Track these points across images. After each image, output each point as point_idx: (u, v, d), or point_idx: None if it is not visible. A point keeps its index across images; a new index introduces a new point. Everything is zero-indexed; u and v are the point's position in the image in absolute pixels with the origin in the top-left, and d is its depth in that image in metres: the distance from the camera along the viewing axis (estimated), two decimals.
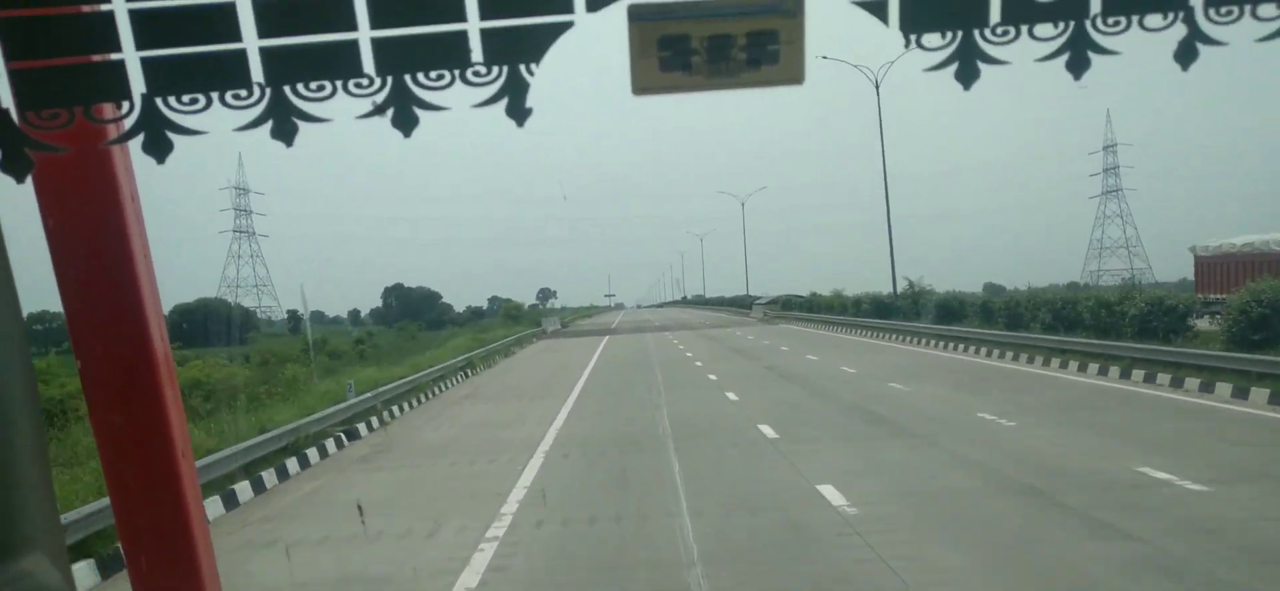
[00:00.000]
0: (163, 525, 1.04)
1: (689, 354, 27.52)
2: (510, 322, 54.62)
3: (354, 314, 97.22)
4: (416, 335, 41.70)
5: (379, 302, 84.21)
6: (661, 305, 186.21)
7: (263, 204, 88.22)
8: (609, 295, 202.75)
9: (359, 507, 8.39)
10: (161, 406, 1.01)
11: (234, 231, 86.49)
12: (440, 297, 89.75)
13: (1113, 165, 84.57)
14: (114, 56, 0.77)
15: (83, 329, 0.99)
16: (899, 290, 32.95)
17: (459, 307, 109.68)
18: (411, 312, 73.33)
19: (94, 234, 0.97)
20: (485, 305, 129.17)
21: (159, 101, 0.76)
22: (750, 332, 38.41)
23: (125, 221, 0.97)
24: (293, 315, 63.57)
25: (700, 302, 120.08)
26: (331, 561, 6.93)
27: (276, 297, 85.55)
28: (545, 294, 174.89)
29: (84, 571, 6.73)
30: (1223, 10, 0.80)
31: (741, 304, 69.52)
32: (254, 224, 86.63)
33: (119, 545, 1.70)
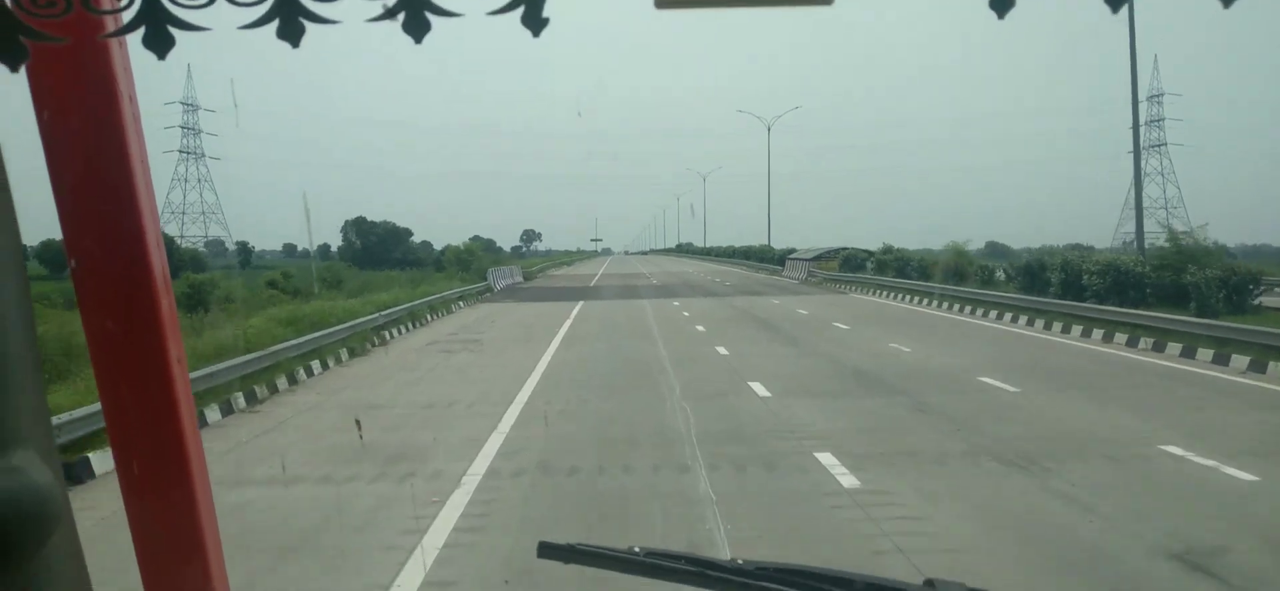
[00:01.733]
0: (155, 432, 1.04)
1: (726, 352, 17.35)
2: (460, 271, 43.55)
3: (323, 249, 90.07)
4: (341, 282, 31.81)
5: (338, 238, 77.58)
6: (647, 253, 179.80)
7: (215, 123, 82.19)
8: (595, 239, 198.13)
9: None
10: (156, 313, 1.00)
11: (180, 152, 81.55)
12: (410, 235, 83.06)
13: (1157, 118, 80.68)
14: None
15: (76, 230, 0.98)
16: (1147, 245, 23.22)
17: (439, 246, 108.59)
18: (374, 250, 68.34)
19: (89, 131, 0.95)
20: (470, 242, 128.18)
21: None
22: (806, 307, 26.18)
23: (123, 120, 0.96)
24: (242, 248, 60.83)
25: (699, 253, 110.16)
26: None
27: (226, 227, 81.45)
28: (529, 235, 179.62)
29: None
30: None
31: (764, 257, 58.83)
32: (204, 145, 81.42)
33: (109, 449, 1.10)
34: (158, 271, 1.01)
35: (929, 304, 25.35)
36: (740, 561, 1.24)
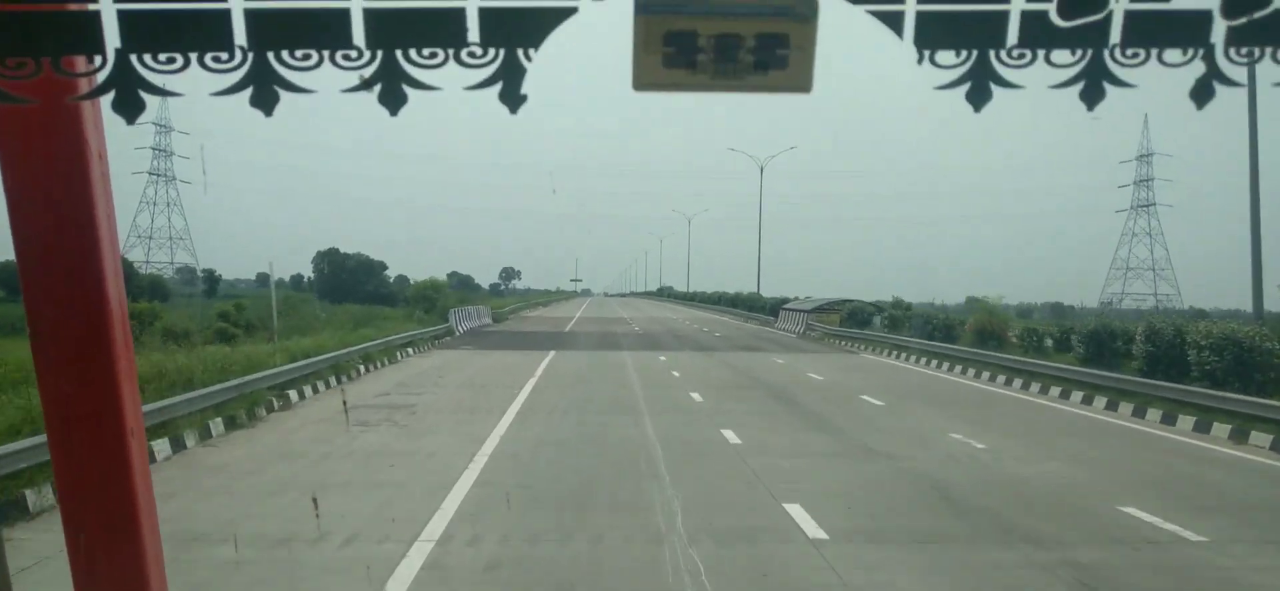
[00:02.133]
0: (107, 502, 1.02)
1: (738, 440, 13.54)
2: (422, 309, 39.48)
3: (296, 279, 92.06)
4: (306, 311, 30.50)
5: (310, 269, 77.08)
6: (627, 295, 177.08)
7: (186, 146, 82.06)
8: (575, 280, 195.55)
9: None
10: (114, 382, 1.00)
11: (150, 174, 79.61)
12: (384, 268, 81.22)
13: (1145, 177, 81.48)
14: (90, 6, 0.75)
15: (37, 294, 0.98)
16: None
17: (416, 279, 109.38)
18: (346, 283, 66.70)
19: (56, 195, 0.95)
20: (443, 279, 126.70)
21: (133, 58, 0.74)
22: (819, 370, 22.47)
23: (90, 183, 0.96)
24: (209, 276, 58.35)
25: (682, 298, 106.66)
26: None
27: (194, 254, 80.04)
28: (508, 273, 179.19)
29: None
30: (1243, 51, 0.80)
31: (754, 306, 54.99)
32: (175, 167, 79.77)
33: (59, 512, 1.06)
34: (119, 342, 1.00)
35: (952, 369, 21.54)
36: None
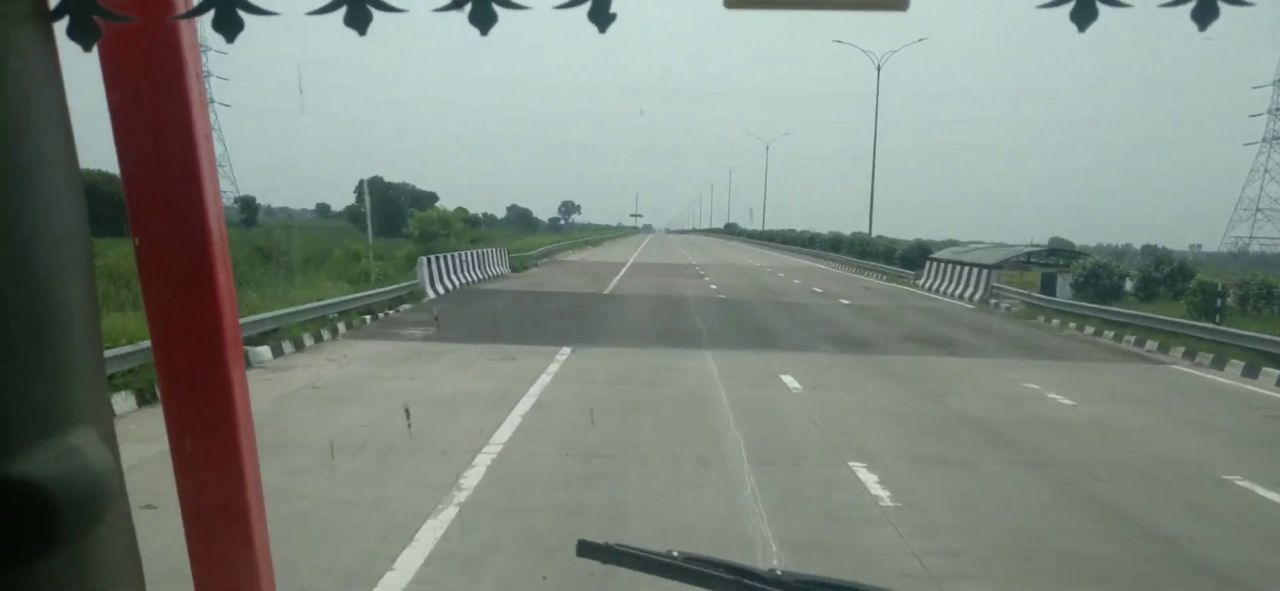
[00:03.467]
0: (208, 413, 1.09)
1: None
2: (422, 244, 29.02)
3: (323, 208, 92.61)
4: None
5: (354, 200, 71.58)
6: (689, 232, 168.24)
7: (225, 65, 75.05)
8: (635, 215, 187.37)
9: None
10: (215, 295, 1.06)
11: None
12: (435, 199, 74.70)
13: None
14: None
15: (141, 208, 1.03)
16: None
17: (475, 212, 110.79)
18: (391, 215, 62.61)
19: (157, 112, 1.00)
20: (504, 214, 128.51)
21: None
22: (1152, 417, 11.20)
23: (190, 101, 1.01)
24: (245, 203, 55.78)
25: (755, 237, 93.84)
26: None
27: (234, 181, 77.51)
28: (568, 207, 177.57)
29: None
30: None
31: (868, 252, 42.85)
32: (213, 89, 74.70)
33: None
34: (218, 255, 1.06)
35: None
36: (779, 571, 1.30)
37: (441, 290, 21.79)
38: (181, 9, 0.87)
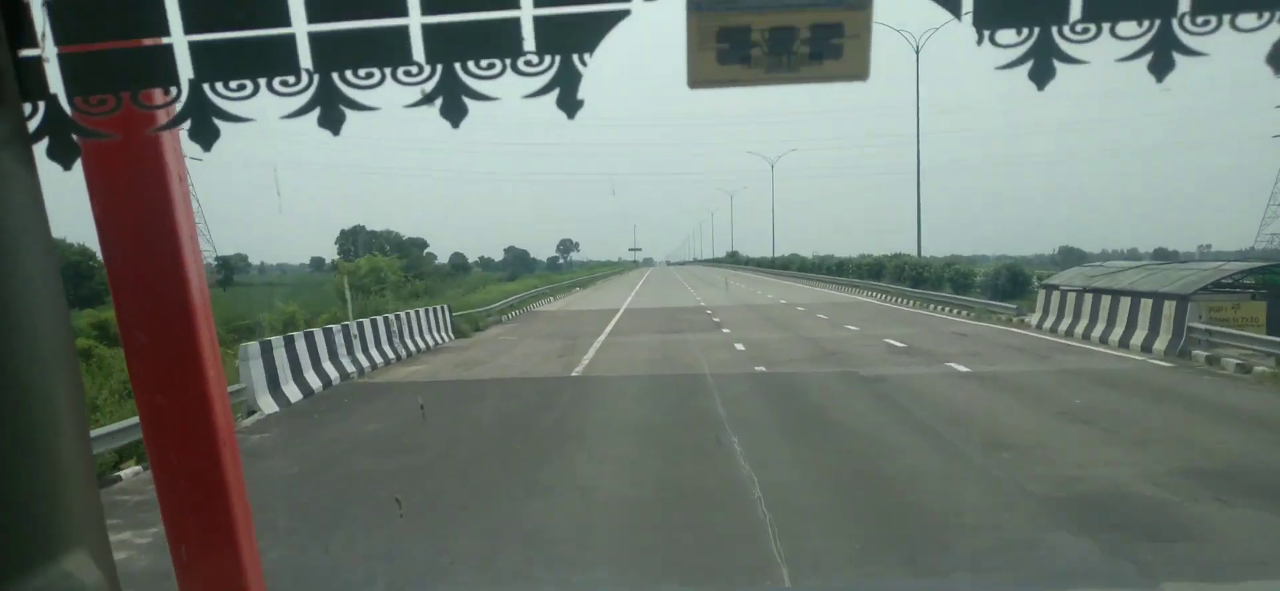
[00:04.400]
0: (205, 511, 1.09)
1: None
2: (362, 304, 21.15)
3: (317, 261, 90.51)
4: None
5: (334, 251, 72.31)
6: (688, 262, 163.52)
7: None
8: (634, 249, 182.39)
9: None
10: (205, 392, 1.06)
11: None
12: (423, 246, 77.18)
13: None
14: (163, 40, 0.81)
15: (129, 314, 1.04)
16: None
17: (473, 259, 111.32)
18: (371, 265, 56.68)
19: (141, 220, 1.02)
20: (501, 256, 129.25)
21: (206, 87, 0.80)
22: None
23: (173, 206, 1.02)
24: (223, 264, 53.25)
25: (764, 266, 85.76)
26: None
27: (211, 240, 74.57)
28: (566, 245, 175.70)
29: None
30: None
31: (922, 279, 34.86)
32: (185, 144, 67.39)
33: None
34: (207, 353, 1.06)
35: None
36: None
37: (294, 395, 13.08)
38: (161, 121, 0.87)
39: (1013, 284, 25.09)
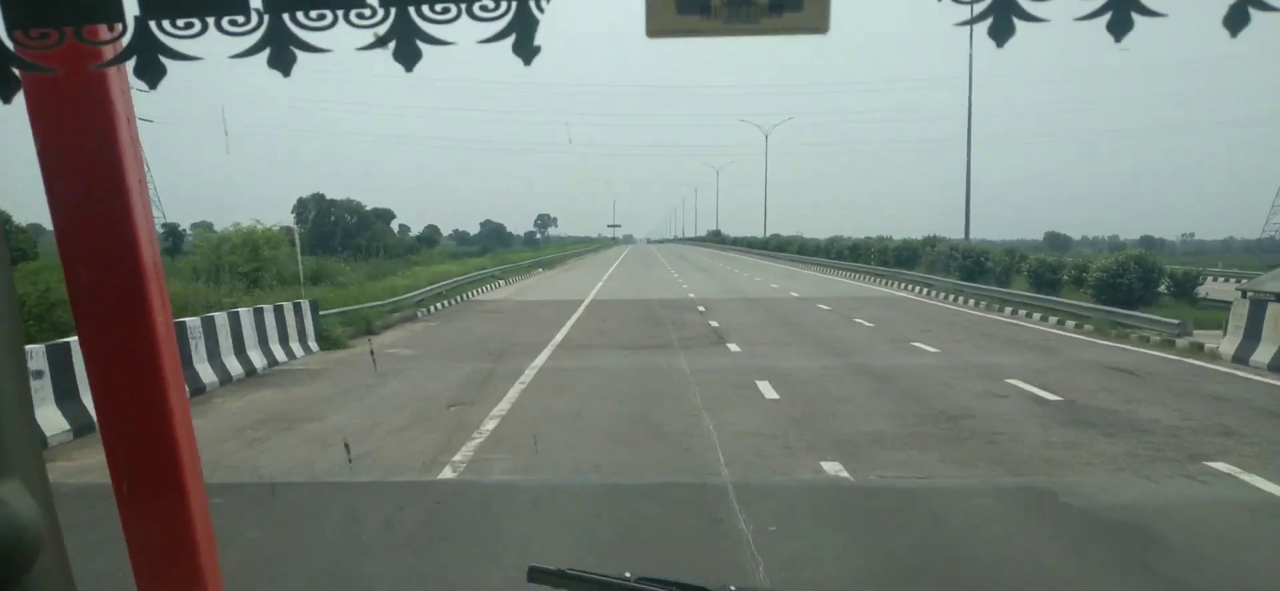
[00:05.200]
0: (150, 452, 1.10)
1: None
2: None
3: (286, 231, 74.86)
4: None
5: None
6: (669, 241, 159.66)
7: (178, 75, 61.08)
8: (613, 226, 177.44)
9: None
10: (152, 334, 1.07)
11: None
12: (390, 217, 73.57)
13: None
14: None
15: (73, 253, 1.05)
16: None
17: (446, 232, 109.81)
18: (327, 234, 59.65)
19: (86, 156, 1.03)
20: (477, 230, 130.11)
21: (152, 24, 0.80)
22: None
23: (119, 144, 1.03)
24: (170, 230, 48.67)
25: (754, 246, 78.84)
26: None
27: (159, 205, 69.72)
28: (544, 220, 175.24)
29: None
30: None
31: (972, 268, 27.62)
32: (133, 102, 61.54)
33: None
34: (154, 294, 1.07)
35: None
36: (733, 587, 1.35)
37: None
38: (107, 57, 0.86)
39: (1145, 284, 17.76)
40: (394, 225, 75.89)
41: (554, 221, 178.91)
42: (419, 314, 21.78)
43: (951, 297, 26.45)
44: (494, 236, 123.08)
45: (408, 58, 0.78)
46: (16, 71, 0.75)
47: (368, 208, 68.60)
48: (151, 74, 0.78)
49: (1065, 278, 22.28)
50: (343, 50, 0.79)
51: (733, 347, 15.56)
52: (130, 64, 0.78)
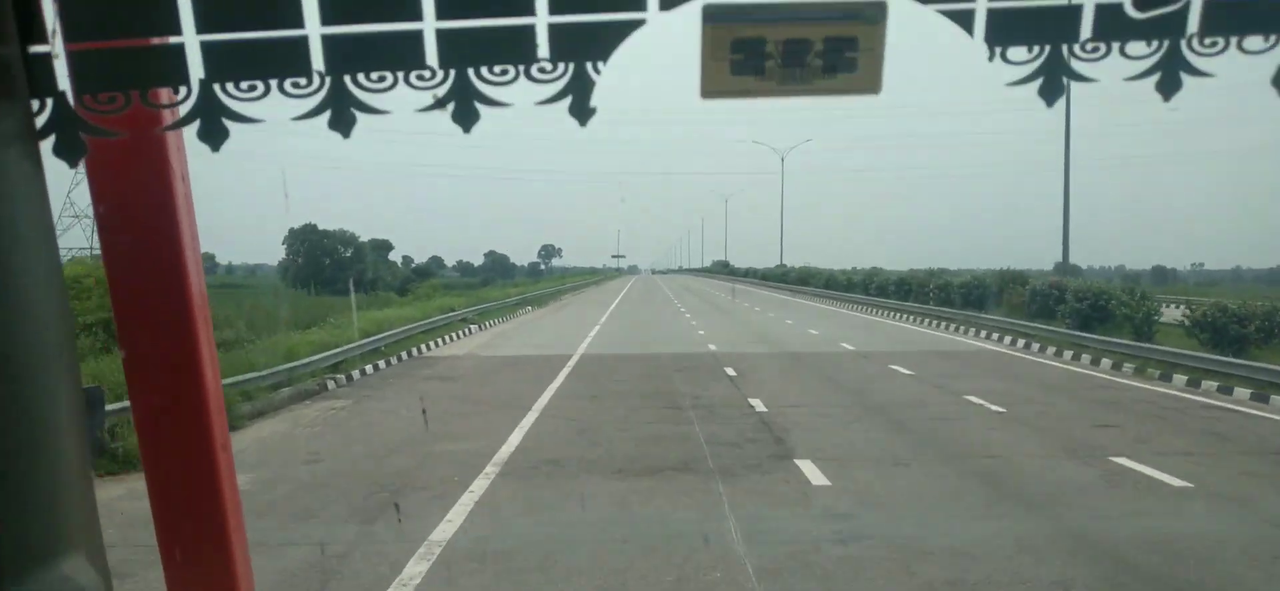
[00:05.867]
0: (199, 518, 1.10)
1: None
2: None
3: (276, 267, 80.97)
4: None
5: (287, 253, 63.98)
6: (675, 272, 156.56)
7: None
8: (617, 256, 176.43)
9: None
10: (203, 399, 1.06)
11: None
12: (389, 249, 71.49)
13: None
14: (173, 40, 0.81)
15: (128, 317, 1.05)
16: None
17: (450, 262, 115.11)
18: (319, 267, 57.35)
19: (143, 221, 1.02)
20: (481, 261, 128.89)
21: (216, 87, 0.80)
22: None
23: (176, 208, 1.02)
24: None
25: (767, 278, 73.30)
26: None
27: None
28: (548, 251, 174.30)
29: None
30: None
31: (1093, 308, 20.45)
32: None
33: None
34: (206, 359, 1.06)
35: None
36: None
37: None
38: (169, 120, 0.87)
39: None
40: (397, 256, 73.36)
41: (558, 252, 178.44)
42: (330, 384, 15.31)
43: (1066, 353, 19.93)
44: (497, 267, 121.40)
45: (466, 119, 0.79)
46: (83, 136, 0.74)
47: (363, 238, 65.42)
48: (214, 138, 0.78)
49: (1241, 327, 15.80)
50: (402, 113, 0.81)
51: (805, 469, 8.92)
52: (190, 127, 0.78)
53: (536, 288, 60.11)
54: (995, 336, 24.20)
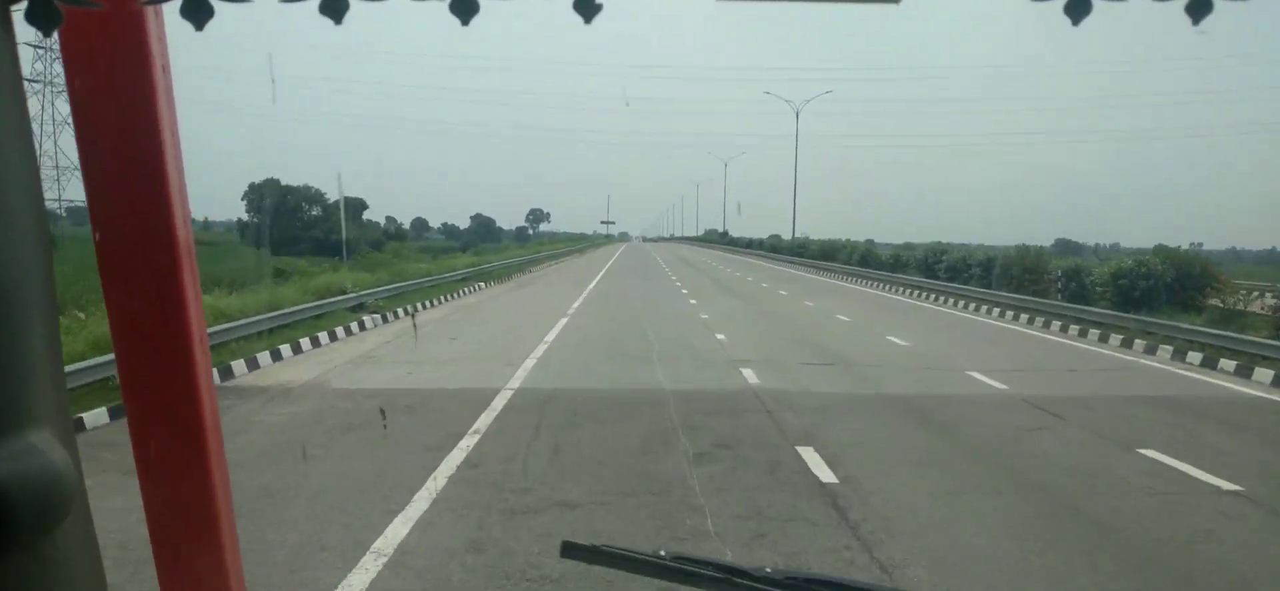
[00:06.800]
0: (173, 412, 1.07)
1: None
2: None
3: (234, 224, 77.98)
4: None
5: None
6: (666, 239, 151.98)
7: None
8: (607, 222, 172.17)
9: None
10: (180, 292, 1.04)
11: (31, 79, 61.13)
12: (363, 209, 62.81)
13: None
14: None
15: (102, 202, 1.02)
16: None
17: (436, 225, 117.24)
18: (286, 224, 52.52)
19: (121, 101, 0.99)
20: (467, 224, 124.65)
21: None
22: None
23: (155, 91, 0.99)
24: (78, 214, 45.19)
25: (775, 251, 66.03)
26: None
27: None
28: (536, 215, 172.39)
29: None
30: None
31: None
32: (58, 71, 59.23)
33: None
34: (183, 249, 1.02)
35: None
36: (769, 569, 1.23)
37: None
38: None
39: None
40: (380, 217, 68.86)
41: (547, 216, 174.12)
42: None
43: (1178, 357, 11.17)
44: (483, 231, 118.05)
45: (465, 10, 0.73)
46: (58, 3, 0.70)
47: (329, 198, 59.31)
48: (197, 15, 0.73)
49: None
50: (396, 2, 0.73)
51: None
52: (172, 6, 0.74)
53: (501, 255, 51.29)
54: (1078, 334, 16.25)
